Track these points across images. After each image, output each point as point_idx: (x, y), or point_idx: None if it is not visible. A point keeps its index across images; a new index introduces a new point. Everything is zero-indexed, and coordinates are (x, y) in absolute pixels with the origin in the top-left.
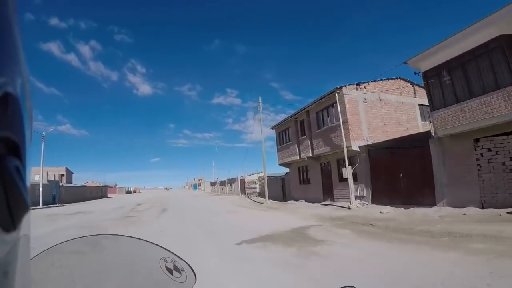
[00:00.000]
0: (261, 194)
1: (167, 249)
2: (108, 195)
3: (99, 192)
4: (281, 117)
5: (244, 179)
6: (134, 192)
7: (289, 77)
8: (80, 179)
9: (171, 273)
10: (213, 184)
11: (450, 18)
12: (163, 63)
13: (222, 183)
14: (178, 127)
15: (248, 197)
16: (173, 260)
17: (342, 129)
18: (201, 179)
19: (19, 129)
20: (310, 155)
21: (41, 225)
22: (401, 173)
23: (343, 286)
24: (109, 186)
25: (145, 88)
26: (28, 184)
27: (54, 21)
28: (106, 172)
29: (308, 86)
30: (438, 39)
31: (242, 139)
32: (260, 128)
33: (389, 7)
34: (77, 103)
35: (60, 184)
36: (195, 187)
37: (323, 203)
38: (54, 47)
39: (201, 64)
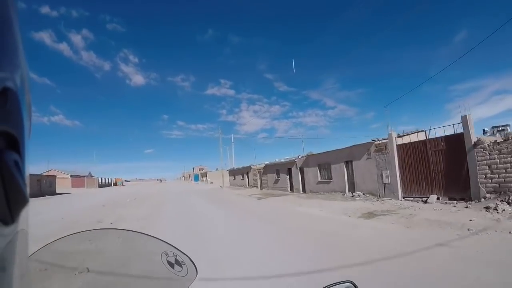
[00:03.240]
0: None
1: (169, 243)
2: (65, 191)
3: (39, 186)
4: (275, 108)
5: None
6: (115, 184)
7: (284, 69)
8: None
9: (172, 267)
10: (233, 173)
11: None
12: (155, 53)
13: (233, 173)
14: (172, 118)
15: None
16: (175, 254)
17: None
18: (202, 169)
19: (18, 123)
20: None
21: None
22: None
23: (341, 280)
24: (76, 176)
25: (138, 79)
26: (26, 178)
27: (45, 9)
28: (98, 163)
29: (302, 77)
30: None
31: (236, 130)
32: None
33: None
34: (69, 93)
35: None
36: (196, 178)
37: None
38: (45, 36)
39: (194, 55)
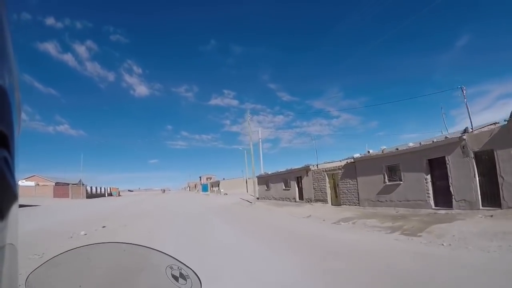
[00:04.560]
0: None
1: (173, 257)
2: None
3: None
4: (278, 118)
5: None
6: (110, 195)
7: (286, 78)
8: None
9: (177, 281)
10: (265, 181)
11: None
12: (159, 63)
13: (265, 180)
14: (176, 129)
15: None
16: (179, 268)
17: None
18: (211, 178)
19: (7, 120)
20: None
21: None
22: None
23: None
24: (62, 184)
25: (141, 89)
26: (16, 175)
27: (50, 20)
28: (104, 173)
29: (305, 86)
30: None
31: (240, 140)
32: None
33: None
34: (74, 103)
35: None
36: (204, 188)
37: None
38: (50, 47)
39: (197, 65)
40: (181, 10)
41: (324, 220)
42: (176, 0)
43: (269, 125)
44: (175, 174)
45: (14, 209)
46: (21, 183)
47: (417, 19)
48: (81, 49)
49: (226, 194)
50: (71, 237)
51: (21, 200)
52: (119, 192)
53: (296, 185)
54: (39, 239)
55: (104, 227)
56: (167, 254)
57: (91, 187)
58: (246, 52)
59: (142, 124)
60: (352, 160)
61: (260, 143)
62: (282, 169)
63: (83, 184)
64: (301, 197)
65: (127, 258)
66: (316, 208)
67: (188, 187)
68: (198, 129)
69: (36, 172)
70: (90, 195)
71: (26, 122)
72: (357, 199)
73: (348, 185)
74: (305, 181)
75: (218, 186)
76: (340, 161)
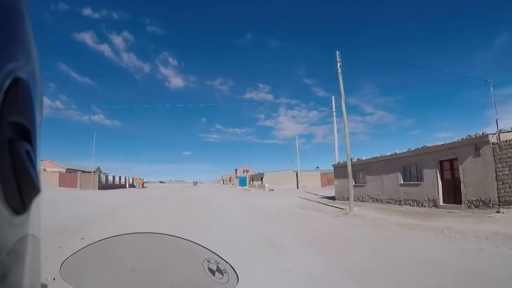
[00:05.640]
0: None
1: (211, 250)
2: None
3: None
4: (313, 114)
5: None
6: (132, 186)
7: (322, 74)
8: None
9: (214, 274)
10: (344, 172)
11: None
12: (194, 56)
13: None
14: (210, 121)
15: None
16: (217, 262)
17: None
18: (247, 170)
19: (30, 114)
20: None
21: None
22: None
23: None
24: (72, 171)
25: (177, 81)
26: (38, 168)
27: (87, 11)
28: (137, 164)
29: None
30: None
31: (273, 135)
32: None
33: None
34: (110, 94)
35: None
36: (242, 181)
37: None
38: (87, 37)
39: (232, 58)
40: (217, 2)
41: None
42: None
43: (303, 120)
44: (208, 167)
45: (37, 202)
46: None
47: (454, 19)
48: (117, 40)
49: (272, 190)
50: None
51: None
52: (143, 183)
53: (437, 176)
54: None
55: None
56: (205, 247)
57: (106, 176)
58: (281, 47)
59: (176, 116)
60: None
61: (335, 119)
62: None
63: (94, 172)
64: (452, 197)
65: (164, 249)
66: None
67: (222, 180)
68: (232, 123)
69: (48, 158)
70: (104, 186)
71: (62, 111)
72: None
73: None
74: (468, 166)
75: (262, 180)
76: None
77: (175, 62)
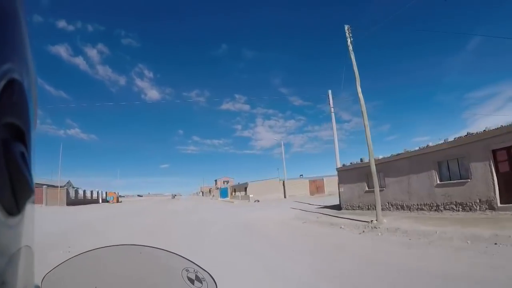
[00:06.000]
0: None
1: (189, 260)
2: None
3: None
4: (290, 123)
5: None
6: (105, 201)
7: (298, 83)
8: None
9: (193, 283)
10: (353, 175)
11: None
12: (170, 68)
13: (354, 176)
14: (187, 133)
15: None
16: (195, 271)
17: None
18: (228, 181)
19: (24, 115)
20: None
21: None
22: None
23: None
24: (38, 186)
25: (153, 93)
26: (32, 169)
27: (62, 23)
28: (115, 178)
29: (317, 90)
30: None
31: (251, 145)
32: None
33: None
34: (85, 107)
35: None
36: (223, 192)
37: None
38: (62, 50)
39: (208, 70)
40: (192, 14)
41: None
42: (187, 4)
43: (280, 129)
44: (187, 179)
45: (30, 204)
46: None
47: (428, 23)
48: (92, 53)
49: (258, 201)
50: None
51: None
52: (117, 198)
53: (491, 170)
54: None
55: None
56: (184, 257)
57: (76, 191)
58: (257, 57)
59: (153, 129)
60: None
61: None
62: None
63: (61, 187)
64: None
65: (143, 260)
66: None
67: (201, 192)
68: (209, 134)
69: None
70: (73, 201)
71: (37, 125)
72: None
73: None
74: None
75: (245, 190)
76: None
77: (151, 75)
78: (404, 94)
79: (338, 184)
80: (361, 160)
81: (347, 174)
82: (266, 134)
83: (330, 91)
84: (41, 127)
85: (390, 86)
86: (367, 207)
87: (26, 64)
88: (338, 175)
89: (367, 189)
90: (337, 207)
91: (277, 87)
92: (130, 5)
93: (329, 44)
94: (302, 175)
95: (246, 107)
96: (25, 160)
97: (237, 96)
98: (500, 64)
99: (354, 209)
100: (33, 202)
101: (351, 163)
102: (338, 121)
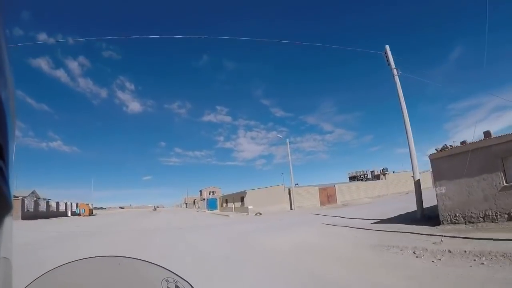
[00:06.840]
0: None
1: (169, 270)
2: None
3: None
4: (272, 134)
5: None
6: (76, 214)
7: (279, 94)
8: None
9: None
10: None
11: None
12: (151, 80)
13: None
14: (169, 145)
15: None
16: (175, 281)
17: None
18: (214, 191)
19: (2, 128)
20: None
21: None
22: None
23: None
24: None
25: (134, 106)
26: (11, 185)
27: (42, 36)
28: (95, 190)
29: (299, 102)
30: None
31: (234, 157)
32: None
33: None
34: (67, 119)
35: None
36: (211, 203)
37: None
38: (43, 63)
39: (190, 81)
40: (173, 25)
41: None
42: (167, 15)
43: (262, 141)
44: (170, 191)
45: (8, 219)
46: None
47: (410, 33)
48: (73, 65)
49: (260, 213)
50: None
51: None
52: (90, 210)
53: None
54: None
55: None
56: (163, 267)
57: (35, 202)
58: (238, 68)
59: (135, 141)
60: None
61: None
62: None
63: (15, 197)
64: None
65: (122, 271)
66: None
67: (184, 204)
68: (191, 146)
69: None
70: (32, 214)
71: (19, 138)
72: None
73: None
74: None
75: (242, 201)
76: None
77: (132, 87)
78: (386, 104)
79: (434, 182)
80: (486, 135)
81: (453, 163)
82: (248, 145)
83: (387, 46)
84: (23, 140)
85: (372, 97)
86: (505, 216)
87: (4, 77)
88: (433, 166)
89: (504, 183)
90: (425, 220)
91: (258, 98)
92: (110, 17)
93: (308, 54)
94: (297, 184)
95: (228, 119)
96: (3, 174)
97: (218, 107)
98: (482, 75)
99: (472, 222)
100: (12, 216)
101: (462, 143)
102: (321, 132)
